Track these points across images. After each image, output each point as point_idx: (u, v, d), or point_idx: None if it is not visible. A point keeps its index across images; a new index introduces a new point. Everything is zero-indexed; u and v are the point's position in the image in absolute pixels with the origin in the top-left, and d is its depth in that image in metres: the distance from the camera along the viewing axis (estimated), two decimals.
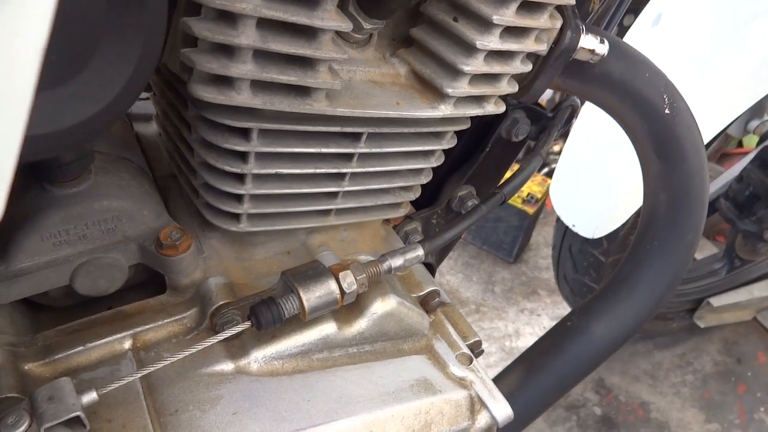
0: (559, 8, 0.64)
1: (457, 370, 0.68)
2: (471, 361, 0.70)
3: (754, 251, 1.74)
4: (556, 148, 2.65)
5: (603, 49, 0.68)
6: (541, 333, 2.20)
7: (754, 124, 1.80)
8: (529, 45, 0.62)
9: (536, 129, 0.92)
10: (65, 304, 0.63)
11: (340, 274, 0.59)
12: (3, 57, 0.20)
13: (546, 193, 2.36)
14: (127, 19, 0.36)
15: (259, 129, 0.55)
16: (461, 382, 0.67)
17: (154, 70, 0.43)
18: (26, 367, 0.53)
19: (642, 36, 1.25)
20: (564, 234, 1.68)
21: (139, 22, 0.37)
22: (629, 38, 1.26)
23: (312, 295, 0.57)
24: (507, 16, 0.57)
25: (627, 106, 0.76)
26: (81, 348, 0.56)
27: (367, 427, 0.59)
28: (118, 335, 0.57)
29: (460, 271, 2.37)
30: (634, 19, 1.33)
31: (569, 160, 1.40)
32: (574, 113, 0.98)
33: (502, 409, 0.67)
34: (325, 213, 0.68)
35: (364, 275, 0.60)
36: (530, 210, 2.33)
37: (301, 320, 0.58)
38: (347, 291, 0.58)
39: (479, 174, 0.92)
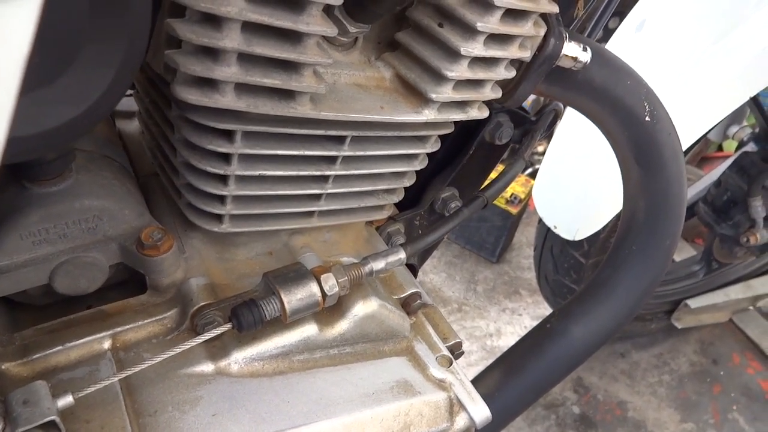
0: (544, 16, 0.65)
1: (436, 372, 0.68)
2: (451, 363, 0.70)
3: (731, 254, 1.77)
4: (539, 149, 2.67)
5: (586, 56, 0.69)
6: (522, 332, 2.22)
7: (733, 129, 1.84)
8: (513, 52, 0.63)
9: (519, 132, 0.93)
10: (44, 303, 0.62)
11: (322, 277, 0.59)
12: None
13: (529, 194, 2.38)
14: (111, 22, 0.36)
15: (242, 131, 0.54)
16: (441, 384, 0.68)
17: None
18: (3, 367, 0.53)
19: (626, 42, 1.26)
20: (546, 235, 1.70)
21: (122, 25, 0.36)
22: (613, 43, 1.27)
23: (293, 298, 0.57)
24: (491, 23, 0.57)
25: (608, 113, 0.77)
26: (60, 348, 0.55)
27: (346, 429, 0.59)
28: (98, 335, 0.57)
29: (443, 270, 2.38)
30: (620, 23, 1.35)
31: (552, 164, 1.41)
32: (557, 117, 0.99)
33: (480, 411, 0.68)
34: (308, 214, 0.68)
35: (346, 278, 0.60)
36: (513, 210, 2.35)
37: (282, 322, 0.58)
38: (329, 293, 0.58)
39: (462, 176, 0.93)
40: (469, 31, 0.58)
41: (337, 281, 0.59)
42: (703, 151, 2.89)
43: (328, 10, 0.53)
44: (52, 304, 0.63)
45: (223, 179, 0.58)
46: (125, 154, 0.69)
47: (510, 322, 2.26)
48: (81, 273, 0.58)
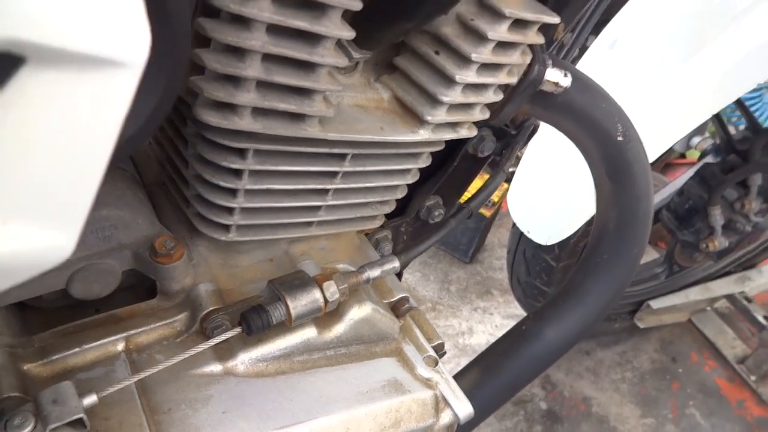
0: (530, 45, 0.70)
1: (424, 371, 0.74)
2: (437, 363, 0.76)
3: (691, 259, 1.87)
4: None
5: (566, 82, 0.75)
6: (493, 331, 2.29)
7: (696, 140, 1.94)
8: (502, 78, 0.68)
9: (500, 145, 0.99)
10: (56, 306, 0.65)
11: (324, 284, 0.63)
12: (97, 118, 0.24)
13: (502, 197, 2.45)
14: (158, 53, 0.40)
15: (254, 149, 0.59)
16: (428, 383, 0.73)
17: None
18: (25, 368, 0.56)
19: (598, 59, 1.33)
20: (519, 239, 1.77)
21: (168, 56, 0.40)
22: (587, 60, 1.34)
23: (298, 303, 0.61)
24: (484, 54, 0.63)
25: (585, 133, 0.83)
26: (77, 349, 0.58)
27: (344, 425, 0.64)
28: (112, 338, 0.60)
29: (418, 270, 2.44)
30: (594, 39, 1.42)
31: (527, 172, 1.48)
32: (535, 131, 1.05)
33: (463, 408, 0.73)
34: (308, 224, 0.72)
35: (346, 285, 0.65)
36: (487, 213, 2.42)
37: (287, 326, 0.63)
38: (330, 300, 0.63)
39: (446, 186, 0.98)
40: (464, 60, 0.63)
41: (338, 288, 0.64)
42: (668, 158, 3.01)
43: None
44: (61, 306, 0.66)
45: (233, 192, 0.62)
46: (132, 164, 0.73)
47: (482, 321, 2.33)
48: (96, 279, 0.61)
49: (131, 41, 0.25)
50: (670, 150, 2.80)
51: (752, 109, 3.29)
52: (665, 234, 2.15)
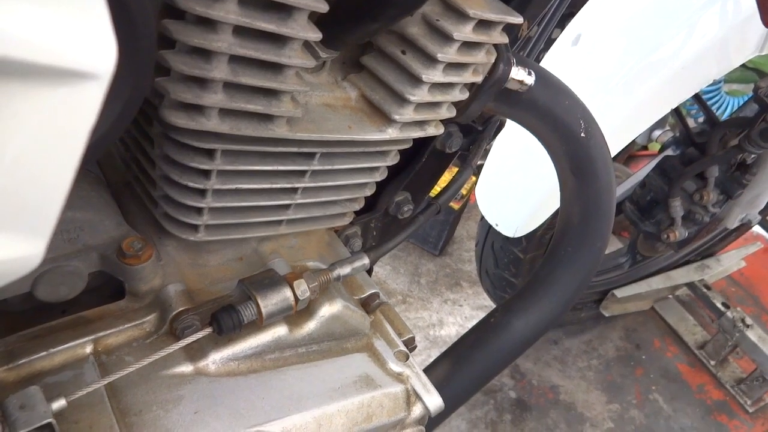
0: (495, 45, 0.72)
1: (394, 366, 0.75)
2: (407, 358, 0.77)
3: (653, 249, 1.92)
4: None
5: (530, 80, 0.77)
6: (463, 322, 2.33)
7: (657, 133, 1.99)
8: (468, 77, 0.70)
9: (467, 141, 1.00)
10: (22, 309, 0.64)
11: (295, 283, 0.64)
12: (61, 130, 0.25)
13: (471, 190, 2.48)
14: (123, 59, 0.40)
15: (222, 149, 0.59)
16: (398, 377, 0.74)
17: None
18: None
19: (562, 54, 1.36)
20: (487, 232, 1.79)
21: (133, 61, 0.40)
22: (552, 55, 1.36)
23: (269, 303, 0.62)
24: (450, 53, 0.64)
25: (549, 130, 0.85)
26: (44, 353, 0.58)
27: (316, 421, 0.65)
28: (80, 340, 0.60)
29: (388, 263, 2.45)
30: (560, 33, 1.44)
31: (494, 166, 1.50)
32: (501, 126, 1.07)
33: (434, 401, 0.75)
34: (277, 223, 0.73)
35: (317, 283, 0.65)
36: (456, 206, 2.44)
37: (258, 325, 0.63)
38: (301, 298, 0.64)
39: (415, 181, 0.99)
40: (430, 60, 0.64)
41: (308, 287, 0.64)
42: (631, 150, 3.08)
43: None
44: (27, 309, 0.65)
45: (201, 192, 0.62)
46: (95, 163, 0.72)
47: (451, 312, 2.36)
48: (62, 281, 0.61)
49: (98, 52, 0.25)
50: (633, 142, 2.86)
51: (710, 103, 3.40)
52: (628, 225, 2.21)
